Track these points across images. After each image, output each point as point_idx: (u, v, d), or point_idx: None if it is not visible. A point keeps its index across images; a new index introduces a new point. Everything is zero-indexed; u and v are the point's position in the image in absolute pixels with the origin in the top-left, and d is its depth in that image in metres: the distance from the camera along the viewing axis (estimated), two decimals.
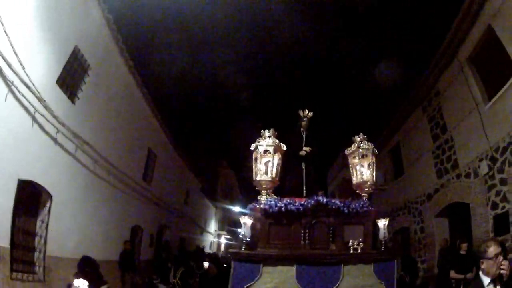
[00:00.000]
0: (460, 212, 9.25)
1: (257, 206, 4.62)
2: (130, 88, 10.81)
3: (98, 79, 8.54)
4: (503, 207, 7.39)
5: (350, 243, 4.46)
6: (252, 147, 4.91)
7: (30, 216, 6.17)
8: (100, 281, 5.73)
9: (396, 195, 13.34)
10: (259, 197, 4.79)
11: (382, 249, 4.61)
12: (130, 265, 9.67)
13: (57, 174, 6.78)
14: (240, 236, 4.03)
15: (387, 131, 14.18)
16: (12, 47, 5.40)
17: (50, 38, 6.57)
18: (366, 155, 5.16)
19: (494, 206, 7.72)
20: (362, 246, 4.45)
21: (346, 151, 5.28)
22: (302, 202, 4.62)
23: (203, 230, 25.19)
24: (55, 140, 6.62)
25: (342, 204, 4.67)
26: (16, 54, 5.49)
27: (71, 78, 7.51)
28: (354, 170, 5.25)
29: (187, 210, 19.25)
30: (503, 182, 7.44)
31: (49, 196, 6.43)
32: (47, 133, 6.40)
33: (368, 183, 5.02)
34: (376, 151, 5.17)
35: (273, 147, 4.84)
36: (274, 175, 4.87)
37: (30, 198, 6.10)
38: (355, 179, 5.20)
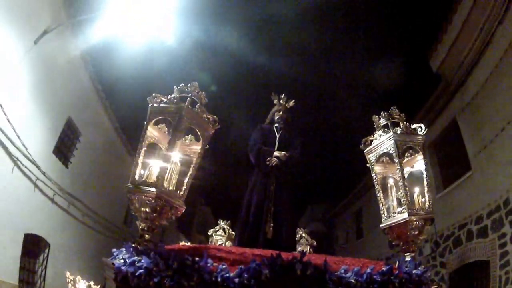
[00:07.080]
0: None
1: (116, 259, 2.10)
2: (115, 146, 12.62)
3: (88, 143, 10.09)
4: (441, 286, 7.94)
5: None
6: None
7: (32, 258, 7.89)
8: None
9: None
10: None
11: None
12: None
13: (53, 226, 8.56)
14: None
15: (353, 195, 15.44)
16: (12, 127, 6.51)
17: (45, 112, 7.75)
18: (411, 152, 2.74)
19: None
20: None
21: (362, 143, 2.91)
22: (254, 265, 2.02)
23: None
24: (52, 200, 8.40)
25: (367, 276, 2.10)
26: (16, 133, 6.59)
27: (64, 146, 9.19)
28: (380, 187, 2.74)
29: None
30: (442, 265, 8.39)
31: (47, 244, 8.22)
32: (45, 195, 8.15)
33: (421, 218, 2.54)
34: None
35: (182, 117, 2.31)
36: (183, 188, 2.37)
37: (32, 245, 7.85)
38: (386, 210, 2.70)
